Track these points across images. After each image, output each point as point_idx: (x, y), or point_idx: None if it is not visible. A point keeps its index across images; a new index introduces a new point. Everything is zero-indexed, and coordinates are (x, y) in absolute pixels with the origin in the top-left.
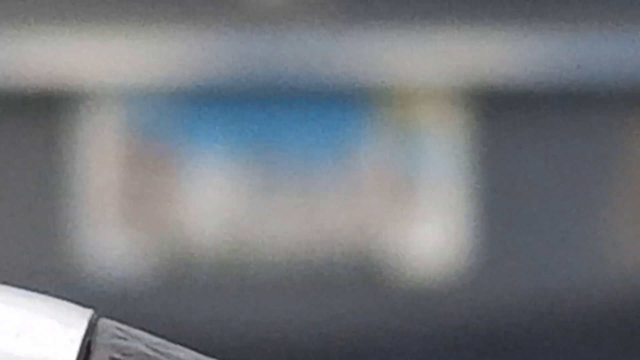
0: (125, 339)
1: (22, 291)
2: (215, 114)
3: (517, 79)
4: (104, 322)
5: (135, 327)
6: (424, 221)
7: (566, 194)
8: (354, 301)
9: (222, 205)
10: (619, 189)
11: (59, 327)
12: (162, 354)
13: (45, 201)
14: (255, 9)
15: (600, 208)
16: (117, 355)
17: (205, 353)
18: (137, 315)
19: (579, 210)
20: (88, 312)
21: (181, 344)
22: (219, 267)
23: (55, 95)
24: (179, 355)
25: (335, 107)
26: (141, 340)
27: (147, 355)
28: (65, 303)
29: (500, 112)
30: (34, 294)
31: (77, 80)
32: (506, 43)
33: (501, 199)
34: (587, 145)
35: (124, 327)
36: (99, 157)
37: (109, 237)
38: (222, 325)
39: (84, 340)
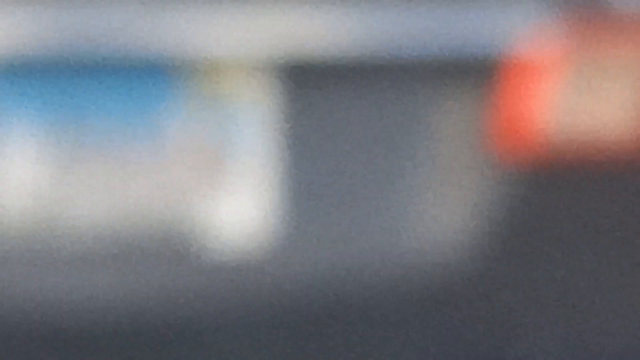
0: None
1: None
2: (25, 85)
3: (326, 49)
4: None
5: None
6: (232, 193)
7: (373, 165)
8: (162, 274)
9: (31, 179)
10: (425, 161)
11: None
12: None
13: None
14: None
15: (406, 180)
16: None
17: (6, 332)
18: None
19: (386, 182)
20: None
21: None
22: (27, 242)
23: None
24: None
25: (146, 78)
26: None
27: None
28: None
29: (309, 83)
30: None
31: None
32: (315, 14)
33: (309, 171)
34: (394, 117)
35: None
36: None
37: None
38: (29, 300)
39: None
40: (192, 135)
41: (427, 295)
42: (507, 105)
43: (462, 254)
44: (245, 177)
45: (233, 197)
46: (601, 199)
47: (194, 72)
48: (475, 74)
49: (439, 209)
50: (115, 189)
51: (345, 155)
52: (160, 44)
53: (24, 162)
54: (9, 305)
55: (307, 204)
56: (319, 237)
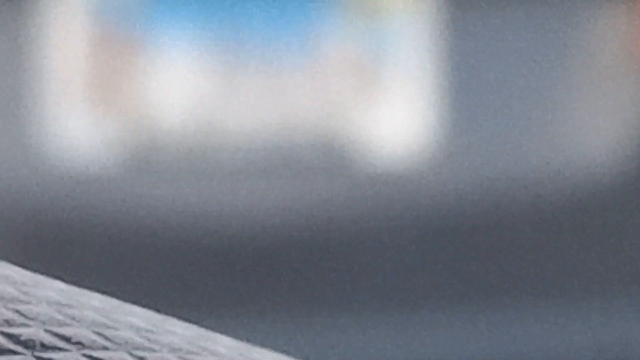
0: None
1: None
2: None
3: None
4: None
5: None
6: (390, 106)
7: (532, 83)
8: (320, 186)
9: (188, 92)
10: (582, 82)
11: None
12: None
13: (10, 89)
14: None
15: (565, 100)
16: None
17: (171, 244)
18: (104, 202)
19: (545, 101)
20: None
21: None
22: (185, 154)
23: None
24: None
25: None
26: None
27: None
28: None
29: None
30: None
31: None
32: None
33: (467, 86)
34: (553, 38)
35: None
36: (62, 44)
37: (74, 123)
38: (188, 212)
39: None
40: (350, 47)
41: (583, 207)
42: None
43: (620, 167)
44: (404, 89)
45: (392, 110)
46: None
47: None
48: None
49: (596, 123)
50: (272, 102)
51: (506, 72)
52: None
53: (185, 73)
54: (171, 216)
55: (466, 118)
56: (478, 150)
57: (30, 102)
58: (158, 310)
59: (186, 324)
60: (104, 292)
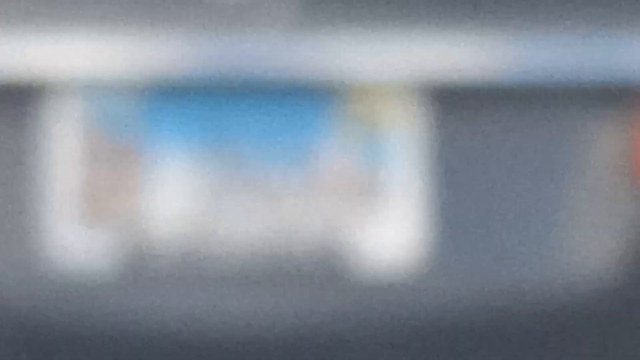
0: None
1: None
2: (178, 109)
3: (474, 76)
4: None
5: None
6: (384, 216)
7: (522, 192)
8: (316, 295)
9: (185, 200)
10: (573, 188)
11: None
12: None
13: (7, 197)
14: (216, 7)
15: (556, 207)
16: None
17: (166, 347)
18: (101, 310)
19: (536, 209)
20: None
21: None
22: (182, 262)
23: (18, 89)
24: None
25: (298, 103)
26: None
27: None
28: None
29: (458, 108)
30: None
31: (40, 74)
32: (463, 41)
33: (457, 194)
34: (543, 144)
35: None
36: (61, 151)
37: (72, 231)
38: (185, 319)
39: None
40: (346, 159)
41: (575, 318)
42: None
43: (611, 277)
44: (394, 200)
45: (383, 221)
46: None
47: (344, 97)
48: (623, 100)
49: (587, 232)
50: (268, 213)
51: (492, 178)
52: (311, 69)
53: (176, 184)
54: (161, 326)
55: (455, 227)
56: (467, 260)
57: (27, 212)
58: None
59: None
60: None
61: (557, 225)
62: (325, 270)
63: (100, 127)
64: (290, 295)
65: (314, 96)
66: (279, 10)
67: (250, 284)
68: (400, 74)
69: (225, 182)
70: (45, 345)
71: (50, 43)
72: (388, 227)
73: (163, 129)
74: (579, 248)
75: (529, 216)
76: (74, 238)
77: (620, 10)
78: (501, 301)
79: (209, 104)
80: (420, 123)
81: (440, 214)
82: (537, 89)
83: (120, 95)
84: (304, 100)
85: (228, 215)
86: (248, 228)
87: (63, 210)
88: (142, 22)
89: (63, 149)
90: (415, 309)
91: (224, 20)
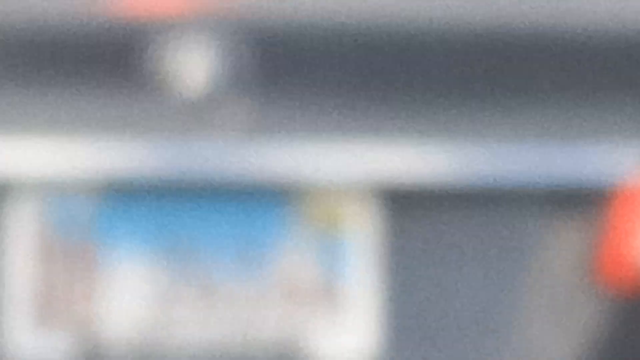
0: None
1: None
2: (135, 211)
3: (430, 180)
4: None
5: None
6: (341, 320)
7: (482, 295)
8: None
9: (142, 303)
10: (533, 291)
11: None
12: None
13: None
14: (174, 110)
15: (515, 311)
16: None
17: None
18: None
19: (493, 308)
20: None
21: None
22: None
23: None
24: None
25: (255, 206)
26: None
27: None
28: None
29: (414, 211)
30: None
31: None
32: (418, 145)
33: (417, 299)
34: (501, 246)
35: None
36: (17, 252)
37: (27, 333)
38: None
39: None
40: (299, 262)
41: None
42: (616, 235)
43: None
44: (351, 304)
45: (340, 326)
46: None
47: (301, 200)
48: (581, 205)
49: (545, 335)
50: (224, 317)
51: (451, 281)
52: (268, 171)
53: (133, 286)
54: None
55: (414, 331)
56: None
57: None
58: None
59: None
60: None
61: (515, 329)
62: None
63: (57, 228)
64: None
65: (271, 199)
66: (236, 113)
67: None
68: (357, 177)
69: (182, 284)
70: None
71: (7, 145)
72: (345, 331)
73: (120, 230)
74: (538, 351)
75: (489, 320)
76: (28, 340)
77: (577, 116)
78: None
79: (166, 206)
80: (377, 226)
81: (397, 317)
82: (493, 192)
83: (78, 196)
84: (261, 203)
85: (184, 319)
86: (204, 332)
87: (18, 312)
88: (99, 123)
89: (19, 250)
90: None
91: (182, 122)
